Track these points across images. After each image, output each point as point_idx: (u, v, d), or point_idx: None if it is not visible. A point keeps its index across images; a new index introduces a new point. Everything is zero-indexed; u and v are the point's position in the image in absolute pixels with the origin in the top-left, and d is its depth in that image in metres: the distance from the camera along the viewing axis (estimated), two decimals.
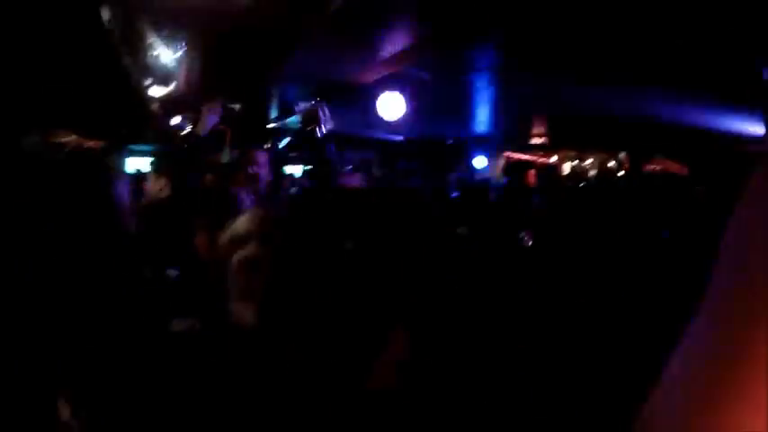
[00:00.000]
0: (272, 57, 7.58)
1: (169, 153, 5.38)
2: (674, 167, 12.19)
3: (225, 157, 8.97)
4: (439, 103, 10.45)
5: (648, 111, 10.02)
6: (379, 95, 8.84)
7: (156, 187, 4.81)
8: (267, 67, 8.02)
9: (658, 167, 12.62)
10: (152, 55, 6.69)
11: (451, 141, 13.92)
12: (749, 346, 0.53)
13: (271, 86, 9.12)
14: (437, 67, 8.02)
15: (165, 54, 6.84)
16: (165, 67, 6.91)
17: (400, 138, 13.49)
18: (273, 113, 10.27)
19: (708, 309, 0.58)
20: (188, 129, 8.22)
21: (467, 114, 11.88)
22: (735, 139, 10.67)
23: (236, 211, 3.09)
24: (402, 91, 8.80)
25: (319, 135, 5.41)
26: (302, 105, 5.38)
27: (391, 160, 13.97)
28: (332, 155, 5.26)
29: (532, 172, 15.04)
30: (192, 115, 9.35)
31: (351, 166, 14.44)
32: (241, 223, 2.50)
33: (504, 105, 11.08)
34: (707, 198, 7.53)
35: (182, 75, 7.50)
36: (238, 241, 2.41)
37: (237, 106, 9.51)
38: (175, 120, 8.58)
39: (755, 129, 10.08)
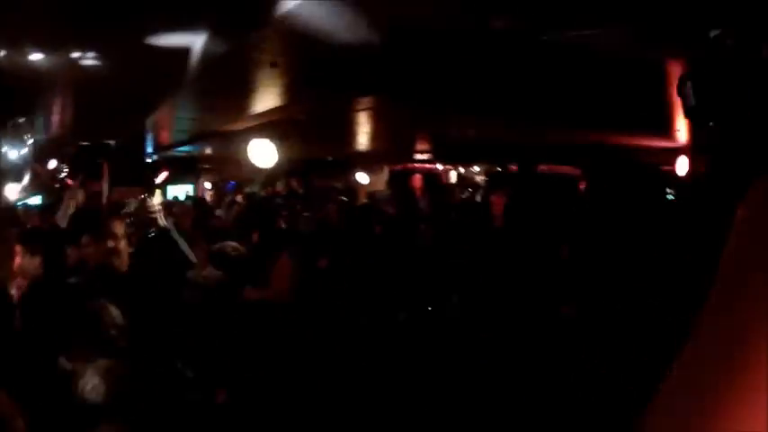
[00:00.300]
0: (141, 106, 7.59)
1: (40, 232, 5.29)
2: (565, 169, 12.50)
3: (105, 191, 8.92)
4: (318, 128, 10.61)
5: (534, 130, 10.26)
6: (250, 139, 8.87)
7: (30, 266, 4.80)
8: (138, 113, 8.02)
9: (548, 169, 12.92)
10: None
11: (332, 159, 14.08)
12: (749, 351, 0.56)
13: (145, 126, 9.10)
14: (311, 112, 8.18)
15: (12, 152, 6.74)
16: (13, 164, 6.81)
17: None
18: (149, 148, 10.25)
19: (710, 315, 0.60)
20: (65, 172, 8.12)
21: (347, 135, 12.06)
22: (625, 147, 11.20)
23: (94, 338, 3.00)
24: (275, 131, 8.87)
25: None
26: None
27: (272, 180, 14.02)
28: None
29: (418, 177, 15.29)
30: (70, 152, 9.23)
31: (233, 183, 14.47)
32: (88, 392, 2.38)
33: (385, 127, 11.26)
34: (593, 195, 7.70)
35: (54, 122, 7.43)
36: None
37: (112, 143, 9.47)
38: (51, 164, 8.46)
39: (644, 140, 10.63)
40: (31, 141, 6.87)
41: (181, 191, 12.96)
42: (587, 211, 7.23)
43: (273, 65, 5.39)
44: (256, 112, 7.49)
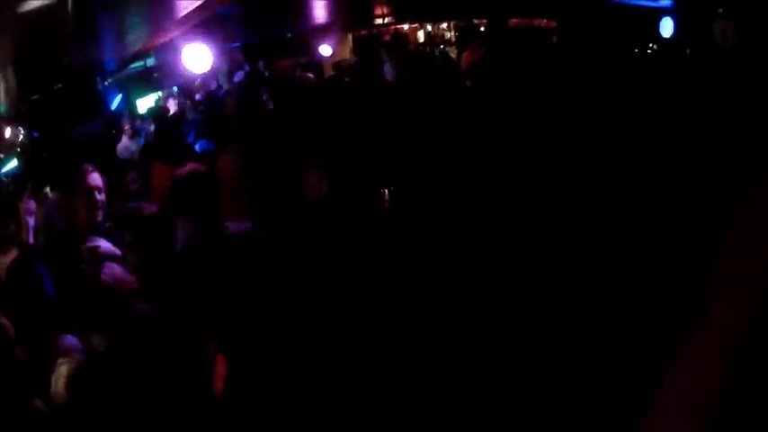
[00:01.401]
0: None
1: None
2: (540, 22, 12.01)
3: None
4: (267, 6, 10.18)
5: None
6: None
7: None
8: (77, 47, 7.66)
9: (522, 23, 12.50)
10: None
11: (290, 35, 13.54)
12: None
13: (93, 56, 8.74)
14: None
15: None
16: None
17: (236, 44, 13.11)
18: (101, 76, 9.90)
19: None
20: (23, 134, 7.84)
21: (302, 9, 11.54)
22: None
23: None
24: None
25: None
26: None
27: (236, 67, 13.48)
28: None
29: (385, 39, 14.81)
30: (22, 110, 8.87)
31: (198, 81, 13.97)
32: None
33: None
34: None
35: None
36: None
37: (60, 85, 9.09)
38: (7, 132, 8.19)
39: None
40: None
41: (150, 102, 12.57)
42: (563, 64, 7.01)
43: None
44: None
